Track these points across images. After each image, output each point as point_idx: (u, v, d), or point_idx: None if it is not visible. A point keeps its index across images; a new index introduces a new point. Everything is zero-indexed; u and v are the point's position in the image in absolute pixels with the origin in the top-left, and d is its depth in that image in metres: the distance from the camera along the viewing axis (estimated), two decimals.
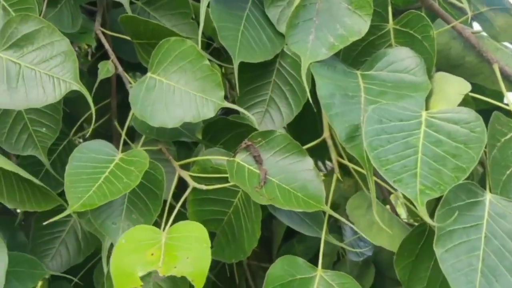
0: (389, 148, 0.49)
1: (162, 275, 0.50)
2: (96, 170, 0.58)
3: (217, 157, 0.65)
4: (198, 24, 0.86)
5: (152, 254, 0.52)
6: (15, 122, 0.71)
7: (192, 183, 0.65)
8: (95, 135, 1.05)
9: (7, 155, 0.73)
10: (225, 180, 0.66)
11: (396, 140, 0.49)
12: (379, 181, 0.67)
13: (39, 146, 0.73)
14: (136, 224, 0.61)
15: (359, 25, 0.59)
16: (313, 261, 0.60)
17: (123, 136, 0.75)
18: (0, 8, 0.60)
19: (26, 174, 0.59)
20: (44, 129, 0.72)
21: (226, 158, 0.63)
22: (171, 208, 0.64)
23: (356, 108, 0.54)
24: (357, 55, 0.64)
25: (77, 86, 0.56)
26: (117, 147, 0.96)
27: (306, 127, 0.78)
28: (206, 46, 0.95)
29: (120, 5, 0.90)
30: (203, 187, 0.63)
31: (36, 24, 0.57)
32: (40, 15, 0.69)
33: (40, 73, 0.56)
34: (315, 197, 0.58)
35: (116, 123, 0.93)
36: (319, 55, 0.59)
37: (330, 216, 0.61)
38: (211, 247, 0.70)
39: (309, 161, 0.60)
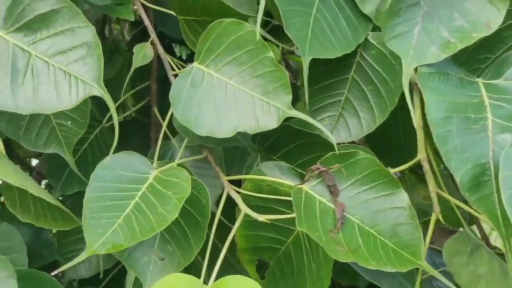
0: None
1: None
2: (123, 194, 0.45)
3: (277, 179, 0.51)
4: None
5: None
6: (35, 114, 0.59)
7: (244, 209, 0.51)
8: (132, 122, 0.94)
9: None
10: (285, 203, 0.53)
11: None
12: None
13: (63, 143, 0.61)
14: (172, 258, 0.49)
15: (488, 15, 0.42)
16: None
17: (164, 127, 0.62)
18: None
19: (41, 192, 0.47)
20: (69, 122, 0.60)
21: (289, 183, 0.49)
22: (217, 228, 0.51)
23: (481, 138, 0.38)
24: (473, 50, 0.46)
25: (100, 91, 0.42)
26: (156, 139, 0.85)
27: (387, 136, 0.63)
28: (264, 23, 0.80)
29: None
30: (259, 217, 0.50)
31: (54, 3, 0.42)
32: None
33: (55, 67, 0.42)
34: (409, 246, 0.43)
35: (156, 111, 0.81)
36: (427, 57, 0.43)
37: None
38: (263, 278, 0.58)
39: (402, 196, 0.45)
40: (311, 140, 0.55)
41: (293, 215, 0.47)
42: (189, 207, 0.50)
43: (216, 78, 0.51)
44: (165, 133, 0.62)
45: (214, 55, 0.52)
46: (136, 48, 0.60)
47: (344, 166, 0.46)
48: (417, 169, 0.79)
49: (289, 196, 0.51)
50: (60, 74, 0.42)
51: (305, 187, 0.47)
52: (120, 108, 0.95)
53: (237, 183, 0.58)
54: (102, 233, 0.42)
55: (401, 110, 0.59)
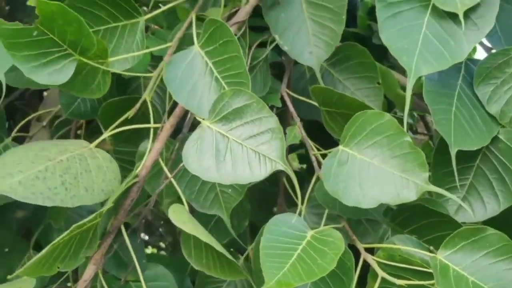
0: None
1: None
2: (288, 246, 0.56)
3: (412, 249, 0.59)
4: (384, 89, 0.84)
5: None
6: (205, 182, 0.73)
7: (380, 273, 0.60)
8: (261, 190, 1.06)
9: None
10: (415, 273, 0.61)
11: None
12: None
13: (223, 207, 0.74)
14: None
15: None
16: None
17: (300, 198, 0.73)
18: (213, 79, 0.62)
19: (218, 246, 0.60)
20: (230, 190, 0.73)
21: (425, 252, 0.57)
22: None
23: None
24: None
25: (283, 166, 0.55)
26: (281, 206, 0.97)
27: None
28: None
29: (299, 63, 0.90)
30: (396, 281, 0.58)
31: (246, 99, 0.57)
32: None
33: (247, 148, 0.56)
34: None
35: (285, 182, 0.93)
36: None
37: None
38: None
39: None
40: (440, 219, 0.63)
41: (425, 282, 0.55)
42: (336, 269, 0.58)
43: (360, 159, 0.60)
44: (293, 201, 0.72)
45: (357, 139, 0.61)
46: (288, 129, 0.72)
47: (475, 240, 0.54)
48: None
49: (420, 266, 0.60)
50: (252, 153, 0.56)
51: (439, 256, 0.55)
52: None
53: (369, 252, 0.67)
54: (275, 274, 0.52)
55: None
